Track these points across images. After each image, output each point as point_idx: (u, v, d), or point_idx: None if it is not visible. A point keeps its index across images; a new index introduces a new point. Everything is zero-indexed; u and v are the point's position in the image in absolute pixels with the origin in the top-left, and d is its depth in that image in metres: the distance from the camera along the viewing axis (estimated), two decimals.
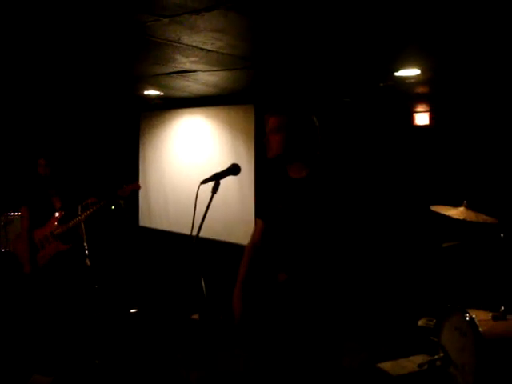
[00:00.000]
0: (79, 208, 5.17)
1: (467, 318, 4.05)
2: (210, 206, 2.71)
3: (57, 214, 5.15)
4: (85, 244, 5.15)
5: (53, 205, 5.19)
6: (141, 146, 8.28)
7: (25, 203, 5.18)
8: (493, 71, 4.64)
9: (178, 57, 4.34)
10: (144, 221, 8.28)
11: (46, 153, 5.20)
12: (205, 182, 2.72)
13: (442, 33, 3.54)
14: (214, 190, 2.72)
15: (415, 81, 4.98)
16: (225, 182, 2.85)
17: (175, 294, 6.34)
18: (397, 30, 3.49)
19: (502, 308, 4.08)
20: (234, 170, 2.82)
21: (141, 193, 8.01)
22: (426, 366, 4.42)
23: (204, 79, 5.36)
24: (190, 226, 7.32)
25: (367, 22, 3.30)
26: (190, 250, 2.90)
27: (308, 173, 2.78)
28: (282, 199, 2.82)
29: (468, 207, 4.59)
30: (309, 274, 2.68)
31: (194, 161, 7.32)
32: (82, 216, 5.00)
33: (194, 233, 2.72)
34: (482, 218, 4.53)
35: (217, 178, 2.74)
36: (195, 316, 5.82)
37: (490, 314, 4.07)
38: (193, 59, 4.39)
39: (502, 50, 3.92)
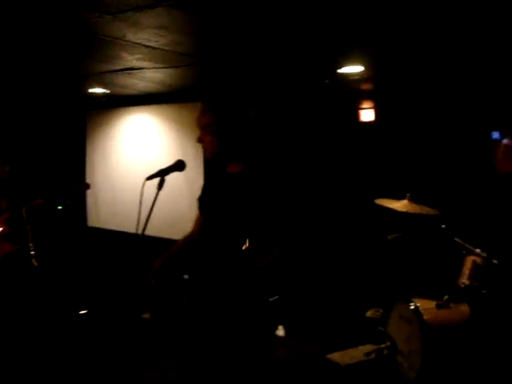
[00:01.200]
0: (23, 209, 5.08)
1: (412, 307, 4.17)
2: (159, 204, 2.71)
3: (3, 215, 5.04)
4: (30, 245, 5.06)
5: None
6: (87, 145, 8.16)
7: None
8: (432, 69, 4.78)
9: (124, 54, 4.32)
10: (92, 221, 8.18)
11: (3, 153, 5.10)
12: (150, 178, 2.71)
13: (383, 31, 3.64)
14: (159, 186, 2.72)
15: (360, 78, 5.08)
16: (173, 180, 2.86)
17: (125, 293, 6.29)
18: (338, 28, 3.56)
19: (446, 297, 4.22)
20: (179, 166, 2.82)
21: (88, 192, 7.91)
22: (373, 355, 4.53)
23: (150, 76, 5.34)
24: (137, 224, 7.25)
25: (309, 20, 3.36)
26: (136, 249, 2.89)
27: (244, 167, 2.78)
28: (216, 194, 2.85)
29: (411, 200, 4.72)
30: (218, 269, 2.71)
31: (141, 159, 7.27)
32: (27, 216, 4.92)
33: (140, 231, 2.70)
34: (425, 210, 4.66)
35: (161, 174, 2.74)
36: (146, 315, 5.79)
37: (434, 303, 4.20)
38: (138, 56, 4.38)
39: (439, 48, 4.05)
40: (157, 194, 2.69)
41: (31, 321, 5.29)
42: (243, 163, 2.79)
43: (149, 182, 2.70)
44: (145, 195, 2.72)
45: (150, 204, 2.69)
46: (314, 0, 2.99)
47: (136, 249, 2.88)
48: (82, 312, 6.13)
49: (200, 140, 2.81)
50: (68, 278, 6.96)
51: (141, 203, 2.66)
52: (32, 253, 5.04)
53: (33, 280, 5.25)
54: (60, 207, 6.75)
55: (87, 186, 6.20)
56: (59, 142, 8.08)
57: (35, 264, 5.02)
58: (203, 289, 2.76)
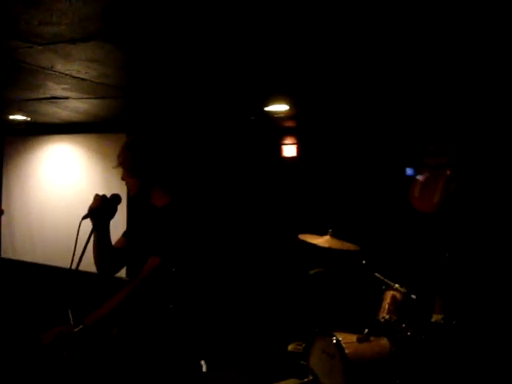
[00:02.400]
0: None
1: (334, 341, 4.24)
2: (82, 239, 2.68)
3: None
4: None
5: None
6: (4, 172, 7.88)
7: None
8: (351, 109, 4.99)
9: (49, 83, 4.24)
10: (6, 252, 7.85)
11: None
12: (85, 217, 2.69)
13: (307, 77, 3.80)
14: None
15: (284, 115, 5.22)
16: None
17: (40, 328, 6.05)
18: (265, 71, 3.68)
19: (366, 330, 4.33)
20: (116, 199, 2.81)
21: (3, 222, 7.61)
22: None
23: (75, 106, 5.26)
24: (56, 256, 7.04)
25: (238, 62, 3.46)
26: (68, 283, 2.81)
27: (171, 199, 2.77)
28: (140, 228, 2.84)
29: (333, 236, 4.84)
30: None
31: (62, 189, 7.11)
32: None
33: (74, 266, 2.65)
34: (346, 245, 4.79)
35: (94, 212, 2.72)
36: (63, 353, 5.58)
37: (355, 337, 4.30)
38: (65, 86, 4.31)
39: (356, 92, 4.27)
40: (91, 231, 2.69)
41: None
42: (170, 196, 2.79)
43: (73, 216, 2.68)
44: (70, 230, 2.70)
45: (76, 238, 2.65)
46: (243, 46, 3.08)
47: (67, 283, 2.80)
48: None
49: (122, 178, 2.80)
50: None
51: (76, 241, 2.61)
52: None
53: None
54: None
55: (1, 212, 5.97)
56: None
57: None
58: (136, 323, 2.71)
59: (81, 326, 2.46)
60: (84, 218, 2.69)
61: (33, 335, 5.67)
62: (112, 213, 2.79)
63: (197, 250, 2.76)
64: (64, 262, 6.73)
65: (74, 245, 2.65)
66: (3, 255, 7.87)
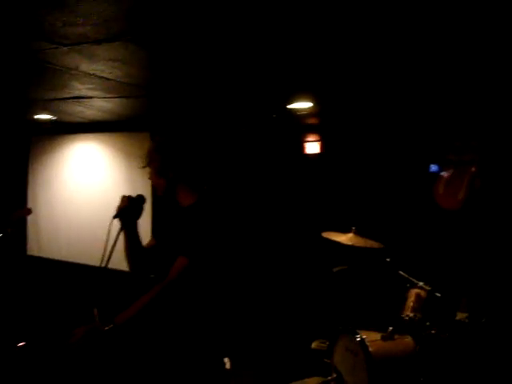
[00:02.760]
0: None
1: (358, 339, 4.23)
2: (104, 236, 2.73)
3: None
4: None
5: None
6: (30, 172, 7.98)
7: None
8: (376, 106, 4.96)
9: (74, 83, 4.29)
10: (32, 249, 7.96)
11: None
12: (115, 217, 2.74)
13: (330, 74, 3.80)
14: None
15: (307, 112, 5.21)
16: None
17: (66, 325, 6.13)
18: (290, 71, 3.68)
19: (390, 328, 4.31)
20: (142, 199, 2.85)
21: (29, 220, 7.72)
22: None
23: (99, 105, 5.31)
24: (81, 254, 7.12)
25: (263, 60, 3.46)
26: (97, 280, 2.86)
27: (196, 200, 2.80)
28: (167, 227, 2.87)
29: (356, 233, 4.83)
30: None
31: (87, 188, 7.18)
32: None
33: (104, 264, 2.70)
34: (370, 243, 4.78)
35: (122, 211, 2.77)
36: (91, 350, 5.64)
37: (379, 335, 4.28)
38: (89, 86, 4.36)
39: (382, 89, 4.25)
40: (119, 231, 2.73)
41: None
42: (196, 195, 2.80)
43: (107, 219, 2.73)
44: (95, 228, 2.75)
45: (106, 237, 2.70)
46: (267, 44, 3.09)
47: (96, 280, 2.85)
48: (20, 344, 5.93)
49: (149, 178, 2.86)
50: (5, 309, 6.74)
51: (107, 240, 2.66)
52: None
53: None
54: (1, 235, 6.56)
55: (29, 212, 6.07)
56: (2, 169, 7.88)
57: None
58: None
59: (111, 325, 2.50)
60: (114, 217, 2.74)
61: (58, 331, 5.76)
62: (139, 212, 2.84)
63: (223, 249, 2.79)
64: (88, 260, 6.88)
65: (98, 243, 2.70)
66: (29, 253, 7.98)
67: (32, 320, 6.60)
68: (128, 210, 2.77)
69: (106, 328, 2.50)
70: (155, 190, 2.86)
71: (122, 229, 2.76)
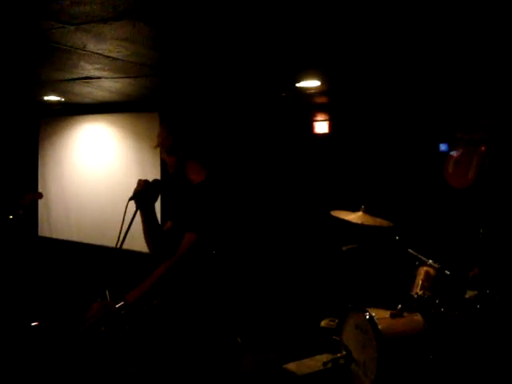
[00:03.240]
0: None
1: (367, 317, 4.25)
2: (114, 217, 2.74)
3: None
4: None
5: None
6: (40, 154, 8.01)
7: None
8: (384, 84, 4.93)
9: (82, 63, 4.28)
10: (43, 231, 8.02)
11: None
12: (131, 198, 2.74)
13: (340, 51, 3.77)
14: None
15: (315, 91, 5.19)
16: (130, 193, 2.87)
17: (78, 305, 6.19)
18: (298, 46, 3.66)
19: (399, 306, 4.33)
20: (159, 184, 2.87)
21: (40, 202, 7.76)
22: (330, 365, 4.59)
23: (108, 86, 5.30)
24: (93, 235, 7.17)
25: (270, 38, 3.44)
26: (113, 262, 2.88)
27: (206, 177, 2.78)
28: (178, 205, 2.88)
29: (365, 212, 4.83)
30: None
31: (97, 169, 7.20)
32: None
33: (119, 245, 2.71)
34: (379, 221, 4.78)
35: (139, 193, 2.78)
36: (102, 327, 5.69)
37: (388, 312, 4.30)
38: (97, 66, 4.35)
39: (389, 66, 4.22)
40: (135, 212, 2.74)
41: None
42: (207, 172, 2.81)
43: (117, 199, 2.73)
44: (105, 208, 2.75)
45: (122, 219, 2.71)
46: (275, 20, 3.07)
47: (108, 260, 2.87)
48: (33, 324, 6.01)
49: (162, 157, 2.86)
50: (18, 289, 6.82)
51: (123, 221, 2.66)
52: None
53: None
54: (11, 216, 6.61)
55: (40, 196, 6.10)
56: (11, 151, 7.91)
57: None
58: (177, 294, 2.75)
59: (122, 303, 2.50)
60: (130, 199, 2.75)
61: (69, 311, 5.82)
62: (155, 196, 2.83)
63: (231, 225, 2.77)
64: (99, 240, 6.92)
65: (108, 223, 2.72)
66: (40, 234, 8.05)
67: (44, 300, 6.68)
68: (144, 193, 2.78)
69: (117, 306, 2.52)
70: (165, 169, 2.86)
71: (137, 211, 2.76)
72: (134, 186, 2.84)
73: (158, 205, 2.90)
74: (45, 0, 2.76)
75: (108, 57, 4.00)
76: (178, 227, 2.81)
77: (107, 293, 2.90)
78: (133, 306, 2.54)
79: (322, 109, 6.48)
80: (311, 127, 6.67)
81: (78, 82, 5.09)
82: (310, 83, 4.81)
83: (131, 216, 2.74)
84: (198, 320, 2.70)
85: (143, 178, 2.87)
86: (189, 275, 2.67)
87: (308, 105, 6.20)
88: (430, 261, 4.38)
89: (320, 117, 6.71)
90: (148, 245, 2.91)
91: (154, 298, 2.68)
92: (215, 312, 2.73)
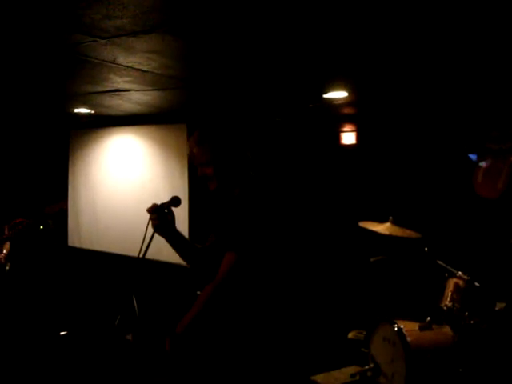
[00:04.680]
0: (6, 228, 5.07)
1: (395, 329, 4.22)
2: (143, 227, 2.75)
3: None
4: (7, 264, 5.04)
5: None
6: (70, 165, 8.13)
7: None
8: (413, 94, 4.91)
9: (112, 76, 4.34)
10: (73, 241, 8.11)
11: None
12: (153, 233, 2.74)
13: (366, 63, 3.78)
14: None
15: (343, 102, 5.19)
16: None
17: (107, 314, 6.25)
18: (326, 58, 3.67)
19: (428, 318, 4.29)
20: (175, 201, 2.84)
21: (70, 212, 7.87)
22: (357, 377, 4.56)
23: (137, 98, 5.37)
24: (122, 245, 7.22)
25: (298, 49, 3.46)
26: (135, 272, 2.89)
27: (241, 190, 2.77)
28: (220, 220, 2.87)
29: (394, 223, 4.80)
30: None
31: (125, 180, 7.27)
32: (10, 234, 4.92)
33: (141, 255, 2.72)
34: (407, 233, 4.75)
35: (162, 207, 2.77)
36: (129, 337, 5.75)
37: (417, 325, 4.26)
38: (127, 79, 4.41)
39: (418, 77, 4.20)
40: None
41: (10, 341, 5.23)
42: (239, 187, 2.77)
43: (145, 211, 2.75)
44: (134, 219, 2.77)
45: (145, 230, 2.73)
46: (304, 32, 3.08)
47: (133, 271, 2.89)
48: (62, 333, 6.08)
49: (201, 175, 2.78)
50: (48, 299, 6.91)
51: (146, 232, 2.68)
52: (7, 268, 5.01)
53: (11, 299, 5.21)
54: (42, 227, 6.72)
55: (65, 205, 6.18)
56: (42, 162, 8.06)
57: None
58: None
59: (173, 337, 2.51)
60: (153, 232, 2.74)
61: (98, 321, 5.86)
62: (168, 219, 2.78)
63: (269, 240, 2.75)
64: (127, 250, 6.97)
65: (137, 234, 2.73)
66: (70, 244, 8.14)
67: (73, 310, 6.76)
68: (159, 225, 2.75)
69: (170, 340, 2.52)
70: (193, 181, 2.85)
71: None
72: (161, 196, 2.84)
73: (185, 216, 2.91)
74: (76, 14, 2.81)
75: (138, 70, 4.05)
76: (219, 242, 2.80)
77: (134, 300, 2.92)
78: (183, 336, 2.52)
79: (349, 119, 6.47)
80: (338, 138, 6.68)
81: (107, 94, 5.17)
82: (338, 94, 4.81)
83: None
84: (241, 340, 2.68)
85: (171, 189, 2.89)
86: (233, 296, 2.63)
87: (335, 116, 6.20)
88: (460, 272, 4.33)
89: (347, 128, 6.71)
90: (184, 261, 2.91)
91: (204, 325, 2.64)
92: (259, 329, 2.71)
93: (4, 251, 5.09)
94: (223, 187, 2.75)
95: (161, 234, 2.76)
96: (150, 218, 2.74)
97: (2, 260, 5.03)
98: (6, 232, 4.98)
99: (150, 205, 2.78)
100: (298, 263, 6.12)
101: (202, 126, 2.87)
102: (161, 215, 2.74)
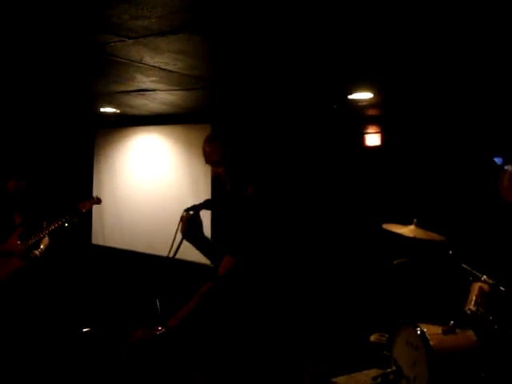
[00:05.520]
0: (44, 223, 5.15)
1: (418, 332, 4.18)
2: (166, 226, 2.75)
3: (17, 231, 5.08)
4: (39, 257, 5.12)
5: (13, 221, 5.14)
6: (95, 164, 8.23)
7: None
8: (438, 96, 4.88)
9: (139, 76, 4.39)
10: (97, 239, 8.21)
11: (21, 169, 5.18)
12: (187, 210, 2.71)
13: (391, 64, 3.76)
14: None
15: (367, 103, 5.17)
16: (182, 203, 2.87)
17: (130, 312, 6.30)
18: (351, 59, 3.66)
19: (452, 322, 4.24)
20: (208, 204, 2.84)
21: (94, 211, 7.94)
22: (379, 380, 4.53)
23: (162, 98, 5.41)
24: (145, 243, 7.27)
25: (324, 50, 3.46)
26: (164, 271, 2.89)
27: (255, 190, 2.70)
28: (231, 219, 2.84)
29: (418, 225, 4.76)
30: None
31: (149, 179, 7.34)
32: (49, 229, 5.01)
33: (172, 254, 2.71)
34: (431, 235, 4.71)
35: (195, 208, 2.76)
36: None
37: (440, 328, 4.22)
38: (153, 79, 4.45)
39: (444, 79, 4.17)
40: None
41: (35, 336, 5.30)
42: (254, 186, 2.71)
43: (169, 209, 2.73)
44: (157, 218, 2.77)
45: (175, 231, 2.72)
46: (329, 34, 3.08)
47: (165, 270, 2.88)
48: (85, 330, 6.13)
49: (215, 174, 2.74)
50: (72, 295, 6.98)
51: (176, 231, 2.67)
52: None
53: (39, 296, 5.27)
54: (67, 224, 6.78)
55: (99, 201, 6.22)
56: (68, 161, 8.15)
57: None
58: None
59: (163, 330, 2.46)
60: (186, 210, 2.73)
61: (120, 319, 5.89)
62: (197, 224, 2.77)
63: (275, 245, 2.65)
64: (151, 249, 7.03)
65: (160, 232, 2.73)
66: (94, 241, 8.23)
67: (97, 307, 6.82)
68: (190, 232, 2.73)
69: (158, 333, 2.49)
70: (216, 181, 2.82)
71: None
72: (185, 195, 2.84)
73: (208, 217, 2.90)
74: (105, 14, 2.85)
75: (164, 69, 4.08)
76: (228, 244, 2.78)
77: (158, 303, 2.93)
78: (175, 332, 2.48)
79: (373, 121, 6.44)
80: (362, 140, 6.64)
81: (133, 94, 5.22)
82: (363, 95, 4.80)
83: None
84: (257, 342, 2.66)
85: (195, 188, 2.87)
86: (229, 297, 2.60)
87: (359, 117, 6.18)
88: (485, 276, 4.27)
89: (371, 129, 6.67)
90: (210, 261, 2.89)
91: (196, 324, 2.63)
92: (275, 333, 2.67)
93: (41, 246, 5.17)
94: (237, 187, 2.71)
95: (189, 240, 2.74)
96: (182, 222, 2.72)
97: (38, 255, 5.11)
98: (45, 227, 5.07)
99: (172, 203, 2.76)
100: (317, 265, 6.11)
101: (214, 124, 2.83)
102: (191, 221, 2.73)
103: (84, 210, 5.23)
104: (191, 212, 2.75)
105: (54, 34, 3.35)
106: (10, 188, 5.16)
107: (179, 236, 2.69)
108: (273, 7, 2.69)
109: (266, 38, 3.25)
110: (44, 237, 5.13)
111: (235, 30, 3.10)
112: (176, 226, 2.70)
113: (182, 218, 2.70)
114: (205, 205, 2.79)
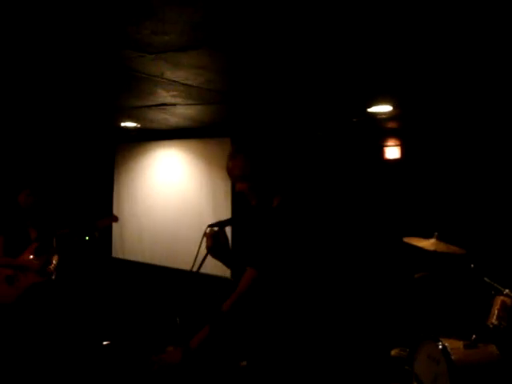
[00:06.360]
0: (54, 239, 5.19)
1: (440, 347, 4.15)
2: (186, 240, 2.75)
3: (32, 245, 5.13)
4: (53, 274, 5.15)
5: (29, 235, 5.19)
6: (115, 178, 8.29)
7: (1, 233, 5.15)
8: (458, 109, 4.85)
9: (159, 91, 4.43)
10: (117, 252, 8.25)
11: (31, 183, 5.22)
12: (211, 225, 2.71)
13: (411, 77, 3.76)
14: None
15: (387, 116, 5.16)
16: (202, 217, 2.87)
17: (150, 326, 6.31)
18: (370, 72, 3.66)
19: (474, 336, 4.20)
20: (232, 221, 2.84)
21: (114, 224, 8.00)
22: None
23: (181, 112, 5.45)
24: (165, 257, 7.30)
25: (343, 64, 3.47)
26: (186, 284, 2.89)
27: (280, 201, 2.70)
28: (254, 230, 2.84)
29: (439, 238, 4.74)
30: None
31: (169, 193, 7.37)
32: (57, 246, 5.06)
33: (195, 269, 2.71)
34: (452, 249, 4.68)
35: (220, 224, 2.76)
36: (170, 348, 5.76)
37: (462, 343, 4.18)
38: (173, 93, 4.49)
39: (464, 92, 4.16)
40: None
41: (55, 350, 5.32)
42: (279, 197, 2.70)
43: (189, 223, 2.74)
44: (177, 232, 2.76)
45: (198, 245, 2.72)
46: (348, 48, 3.09)
47: (189, 284, 2.89)
48: (105, 343, 6.15)
49: (239, 190, 2.73)
50: (91, 308, 7.01)
51: (200, 246, 2.65)
52: (53, 277, 5.13)
53: (57, 311, 5.30)
54: (87, 238, 6.83)
55: (116, 219, 6.30)
56: (89, 174, 8.23)
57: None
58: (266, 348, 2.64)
59: (185, 349, 2.46)
60: (210, 226, 2.73)
61: (141, 333, 5.89)
62: (221, 241, 2.76)
63: (297, 258, 2.64)
64: (170, 263, 7.04)
65: (180, 246, 2.73)
66: (114, 255, 8.28)
67: (116, 320, 6.84)
68: (214, 247, 2.74)
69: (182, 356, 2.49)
70: (236, 195, 2.81)
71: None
72: (204, 209, 2.84)
73: (228, 230, 2.88)
74: (126, 30, 2.89)
75: (184, 84, 4.12)
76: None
77: (178, 321, 2.93)
78: (197, 351, 2.47)
79: (393, 134, 6.42)
80: (382, 152, 6.63)
81: (154, 108, 5.26)
82: (382, 108, 4.79)
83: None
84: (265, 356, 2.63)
85: (215, 203, 2.86)
86: (252, 311, 2.59)
87: (379, 130, 6.17)
88: (507, 290, 4.23)
89: (391, 142, 6.66)
90: None
91: (218, 342, 2.60)
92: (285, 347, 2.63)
93: (54, 262, 5.21)
94: (262, 201, 2.70)
95: (214, 256, 2.73)
96: (205, 237, 2.71)
97: (52, 270, 5.16)
98: (54, 243, 5.11)
99: (192, 218, 2.77)
100: (338, 278, 6.08)
101: (234, 138, 2.84)
102: (215, 237, 2.72)
103: (101, 227, 5.27)
104: (215, 228, 2.74)
105: (79, 51, 3.40)
106: (20, 202, 5.21)
107: (202, 250, 2.67)
108: (292, 22, 2.71)
109: (285, 52, 3.27)
110: (54, 253, 5.17)
111: (256, 44, 3.12)
112: (197, 241, 2.70)
113: (205, 234, 2.70)
114: (229, 222, 2.79)
